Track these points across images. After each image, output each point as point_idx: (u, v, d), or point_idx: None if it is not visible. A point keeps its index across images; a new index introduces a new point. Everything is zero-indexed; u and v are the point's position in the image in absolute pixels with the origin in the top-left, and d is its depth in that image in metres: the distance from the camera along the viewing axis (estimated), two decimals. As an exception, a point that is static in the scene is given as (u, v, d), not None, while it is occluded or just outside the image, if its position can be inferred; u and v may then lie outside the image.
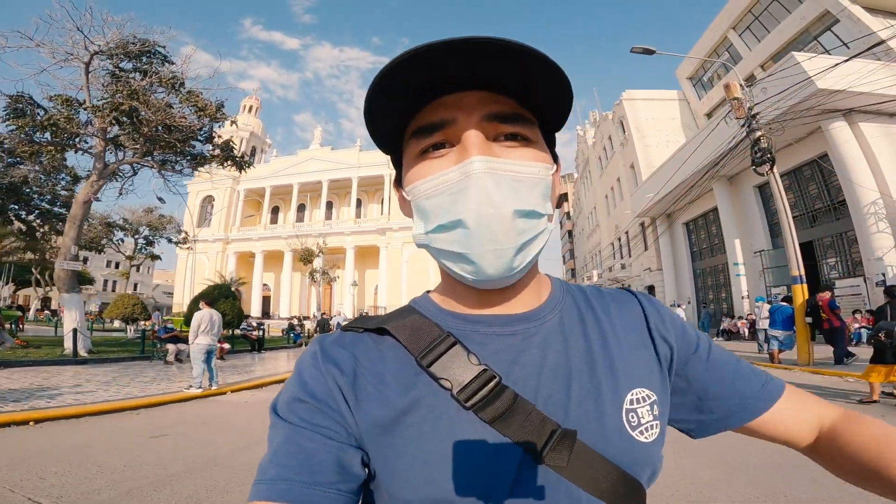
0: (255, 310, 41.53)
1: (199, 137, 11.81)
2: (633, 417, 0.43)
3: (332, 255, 39.98)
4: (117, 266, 50.59)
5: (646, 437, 0.43)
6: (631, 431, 0.42)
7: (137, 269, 43.76)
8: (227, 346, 10.74)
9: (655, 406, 0.45)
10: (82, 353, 9.36)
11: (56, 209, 29.24)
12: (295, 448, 0.40)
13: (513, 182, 0.40)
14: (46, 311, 35.43)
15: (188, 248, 29.50)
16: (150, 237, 27.84)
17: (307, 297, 43.83)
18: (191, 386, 6.26)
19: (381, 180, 44.12)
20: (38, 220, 29.58)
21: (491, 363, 0.43)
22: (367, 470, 0.42)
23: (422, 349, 0.43)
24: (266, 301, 45.54)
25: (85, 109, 10.21)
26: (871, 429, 0.44)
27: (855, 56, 10.63)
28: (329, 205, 46.46)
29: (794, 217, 14.73)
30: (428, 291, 0.53)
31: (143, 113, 10.27)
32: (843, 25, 17.06)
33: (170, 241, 26.85)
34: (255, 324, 15.13)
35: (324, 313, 22.93)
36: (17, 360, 8.09)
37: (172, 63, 11.77)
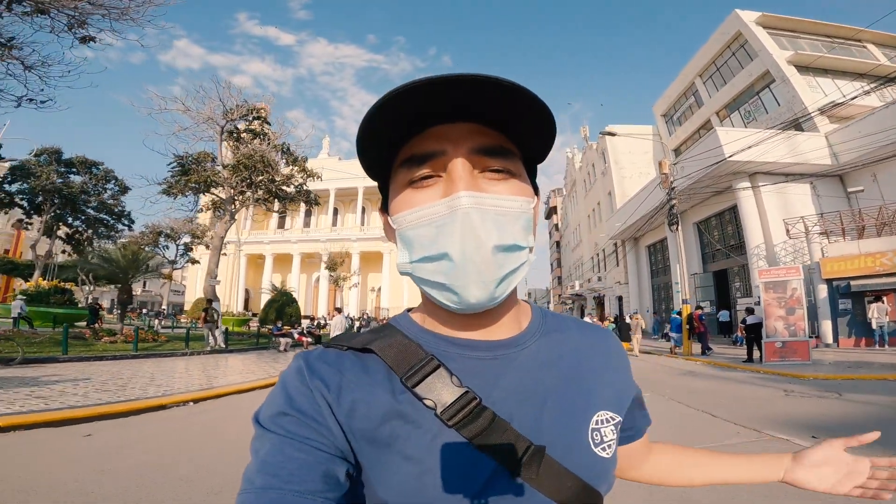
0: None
1: (290, 184, 17.16)
2: (597, 436, 0.51)
3: (336, 259, 45.29)
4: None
5: (606, 454, 0.51)
6: (594, 448, 0.50)
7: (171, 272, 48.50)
8: (309, 339, 16.08)
9: (618, 427, 0.55)
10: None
11: (102, 216, 34.37)
12: (283, 458, 0.42)
13: (497, 217, 0.45)
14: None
15: (224, 254, 34.67)
16: (189, 244, 32.84)
17: (314, 298, 49.02)
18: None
19: (386, 190, 49.41)
20: (82, 226, 34.71)
21: (472, 385, 0.48)
22: (350, 481, 0.46)
23: (406, 370, 0.48)
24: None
25: (222, 167, 15.42)
26: (664, 458, 0.72)
27: (767, 136, 16.15)
28: (335, 211, 51.50)
29: (715, 250, 20.46)
30: (408, 310, 0.58)
31: (259, 168, 15.50)
32: (778, 85, 22.35)
33: (207, 247, 31.84)
34: (311, 324, 20.42)
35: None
36: (195, 352, 13.19)
37: (270, 124, 17.13)
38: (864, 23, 24.01)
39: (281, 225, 52.72)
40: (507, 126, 0.47)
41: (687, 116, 30.33)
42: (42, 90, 9.85)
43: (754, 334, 10.91)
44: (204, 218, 49.73)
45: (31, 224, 32.81)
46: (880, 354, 11.78)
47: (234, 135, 16.24)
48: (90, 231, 34.90)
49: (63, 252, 34.79)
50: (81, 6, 8.81)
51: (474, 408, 0.46)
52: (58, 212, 32.17)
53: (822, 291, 14.33)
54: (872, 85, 17.72)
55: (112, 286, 50.74)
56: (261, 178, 15.48)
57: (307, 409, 0.46)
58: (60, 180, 31.79)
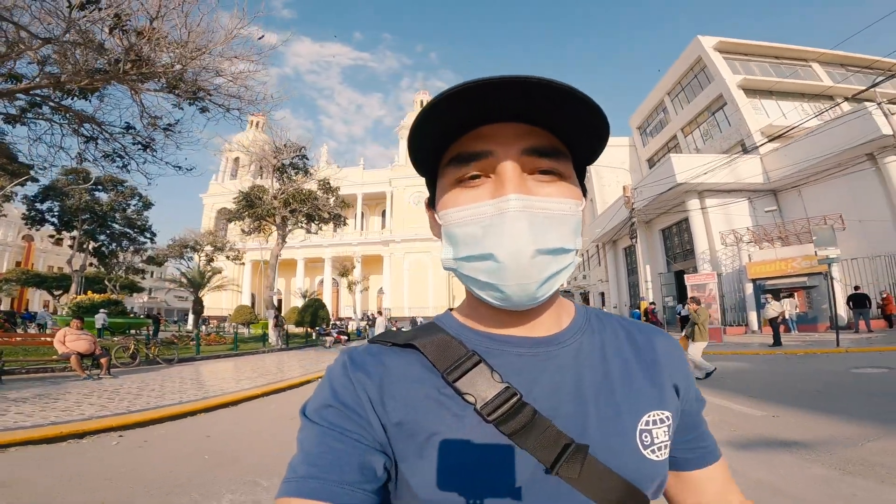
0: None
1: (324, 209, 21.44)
2: (646, 437, 0.51)
3: (341, 263, 49.54)
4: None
5: (657, 456, 0.51)
6: (643, 450, 0.50)
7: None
8: (345, 337, 20.39)
9: (671, 428, 0.53)
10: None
11: (126, 230, 38.09)
12: (325, 449, 0.46)
13: (545, 220, 0.46)
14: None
15: (241, 263, 38.62)
16: (210, 255, 36.77)
17: (319, 299, 53.23)
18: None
19: (383, 196, 53.62)
20: (107, 240, 38.57)
21: (512, 381, 0.49)
22: (388, 473, 0.48)
23: (448, 366, 0.50)
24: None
25: (274, 198, 19.61)
26: None
27: (716, 164, 20.64)
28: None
29: (676, 253, 24.99)
30: (451, 309, 0.61)
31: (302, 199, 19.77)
32: (728, 108, 26.44)
33: (227, 258, 35.74)
34: (340, 325, 24.74)
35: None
36: (270, 350, 17.32)
37: (308, 159, 21.38)
38: (811, 39, 27.57)
39: (283, 231, 56.67)
40: (559, 127, 0.48)
41: (658, 130, 34.69)
42: (186, 158, 13.81)
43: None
44: (207, 225, 53.55)
45: (62, 239, 36.32)
46: (786, 338, 16.20)
47: (281, 170, 20.48)
48: (114, 245, 38.59)
49: (91, 265, 38.17)
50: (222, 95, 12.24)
51: (515, 403, 0.47)
52: (87, 228, 35.82)
53: (749, 289, 18.91)
54: (812, 104, 21.72)
55: (131, 294, 53.81)
56: (301, 205, 19.75)
57: (349, 401, 0.49)
58: (89, 197, 35.35)
